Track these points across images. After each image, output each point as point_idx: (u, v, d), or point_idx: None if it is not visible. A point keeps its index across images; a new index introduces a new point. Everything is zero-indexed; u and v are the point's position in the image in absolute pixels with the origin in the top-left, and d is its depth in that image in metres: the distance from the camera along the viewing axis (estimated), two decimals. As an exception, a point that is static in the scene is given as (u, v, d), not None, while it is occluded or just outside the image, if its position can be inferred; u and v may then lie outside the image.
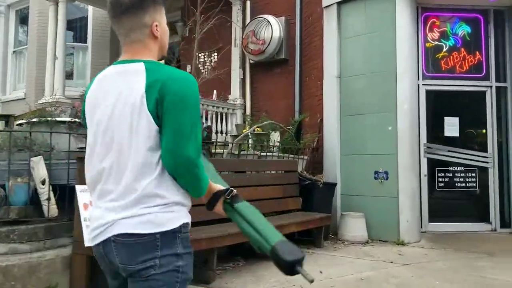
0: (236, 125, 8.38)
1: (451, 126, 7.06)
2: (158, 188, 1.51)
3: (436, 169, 7.00)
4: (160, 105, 1.47)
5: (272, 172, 6.17)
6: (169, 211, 1.53)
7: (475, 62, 7.17)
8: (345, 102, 6.88)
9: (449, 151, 6.99)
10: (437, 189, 6.98)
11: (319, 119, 7.24)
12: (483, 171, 7.02)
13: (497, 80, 7.12)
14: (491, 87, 7.10)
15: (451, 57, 7.14)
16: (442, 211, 6.94)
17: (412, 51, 6.56)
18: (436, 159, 6.97)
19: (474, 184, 7.01)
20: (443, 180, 6.99)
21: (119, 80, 1.56)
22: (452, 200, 7.08)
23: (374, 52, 6.63)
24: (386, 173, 6.37)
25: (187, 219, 1.60)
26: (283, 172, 6.26)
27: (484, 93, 7.14)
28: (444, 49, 7.10)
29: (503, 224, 6.92)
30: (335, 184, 6.54)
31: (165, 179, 1.52)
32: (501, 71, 7.17)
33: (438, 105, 7.20)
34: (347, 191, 6.69)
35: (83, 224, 3.63)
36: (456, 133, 7.04)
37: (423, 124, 6.94)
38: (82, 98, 1.77)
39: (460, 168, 7.01)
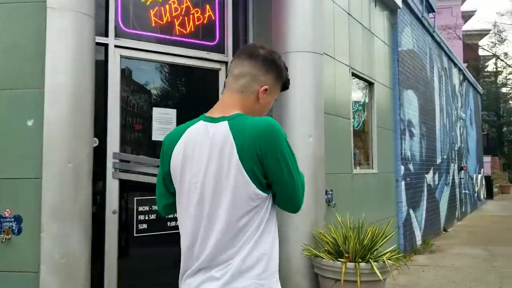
0: None
1: (165, 124, 4.11)
2: None
3: (135, 199, 3.93)
4: (261, 167, 1.44)
5: None
6: None
7: (204, 22, 4.42)
8: None
9: (159, 166, 4.02)
10: (135, 235, 3.92)
11: None
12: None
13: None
14: (226, 63, 4.44)
15: (167, 6, 4.19)
16: (142, 279, 3.91)
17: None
18: (137, 182, 3.92)
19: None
20: (147, 218, 3.97)
21: (207, 142, 1.49)
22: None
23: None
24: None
25: None
26: None
27: (216, 72, 4.43)
28: (155, -10, 4.12)
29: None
30: None
31: None
32: (242, 44, 4.61)
33: (141, 88, 4.17)
34: None
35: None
36: (171, 137, 4.12)
37: (114, 120, 3.80)
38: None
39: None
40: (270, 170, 1.43)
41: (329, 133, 4.63)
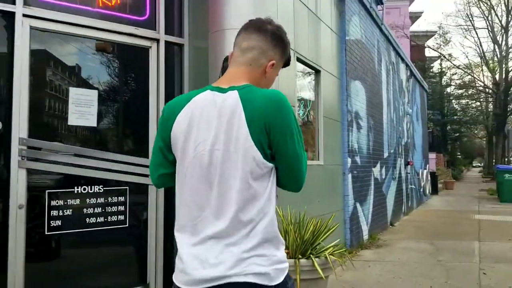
0: None
1: (84, 107, 3.61)
2: None
3: (47, 192, 3.42)
4: (267, 138, 1.44)
5: None
6: None
7: (133, -7, 3.96)
8: None
9: (76, 155, 3.53)
10: (47, 233, 3.41)
11: None
12: (141, 192, 3.86)
13: (169, 33, 4.08)
14: (158, 41, 3.99)
15: (88, -27, 3.70)
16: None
17: None
18: (49, 173, 3.42)
19: (123, 218, 3.76)
20: (62, 214, 3.47)
21: (215, 112, 1.47)
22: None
23: None
24: None
25: None
26: None
27: (146, 50, 3.98)
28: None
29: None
30: None
31: None
32: (177, 21, 4.18)
33: (56, 66, 3.65)
34: None
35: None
36: (92, 122, 3.63)
37: (22, 101, 3.27)
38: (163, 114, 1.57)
39: (98, 188, 3.64)
40: (276, 143, 1.43)
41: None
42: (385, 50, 9.54)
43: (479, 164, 64.85)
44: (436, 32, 34.05)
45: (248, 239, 1.41)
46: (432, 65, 35.52)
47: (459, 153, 44.13)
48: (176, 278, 1.48)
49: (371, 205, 7.86)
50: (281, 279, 1.45)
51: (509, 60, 24.75)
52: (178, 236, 1.51)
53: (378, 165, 8.56)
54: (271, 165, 1.45)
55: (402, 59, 11.66)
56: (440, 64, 35.06)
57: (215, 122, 1.45)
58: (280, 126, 1.42)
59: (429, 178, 15.85)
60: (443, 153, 28.26)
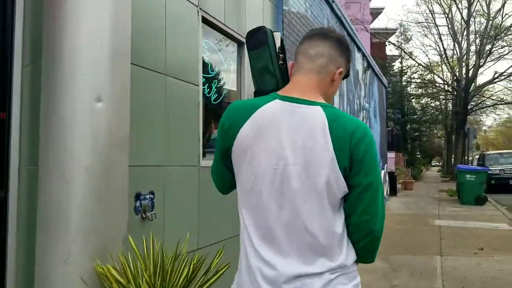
0: None
1: None
2: None
3: None
4: (349, 165, 1.37)
5: None
6: None
7: None
8: None
9: None
10: None
11: None
12: None
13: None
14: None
15: None
16: None
17: None
18: None
19: None
20: None
21: (296, 125, 1.38)
22: None
23: None
24: None
25: None
26: None
27: None
28: None
29: None
30: None
31: None
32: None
33: None
34: None
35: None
36: None
37: None
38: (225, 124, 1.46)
39: None
40: (359, 171, 1.37)
41: (157, 103, 2.93)
42: (337, 34, 8.32)
43: (437, 164, 65.66)
44: (397, 29, 33.54)
45: None
46: (393, 64, 35.02)
47: (418, 153, 44.07)
48: None
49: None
50: None
51: (470, 55, 24.30)
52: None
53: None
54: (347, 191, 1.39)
55: (359, 48, 10.53)
56: (401, 62, 34.61)
57: (295, 134, 1.37)
58: (365, 155, 1.37)
59: (387, 179, 14.86)
60: (402, 152, 27.61)
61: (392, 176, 17.19)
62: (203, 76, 3.76)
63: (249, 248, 1.39)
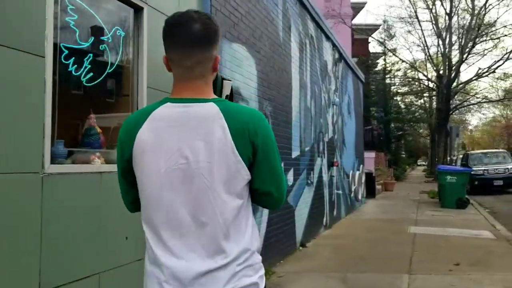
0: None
1: None
2: None
3: None
4: (252, 149, 1.42)
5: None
6: None
7: None
8: None
9: None
10: None
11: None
12: None
13: None
14: None
15: None
16: None
17: None
18: None
19: None
20: None
21: (191, 124, 1.40)
22: None
23: None
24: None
25: None
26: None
27: None
28: None
29: None
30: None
31: None
32: None
33: None
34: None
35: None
36: None
37: None
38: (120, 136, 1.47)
39: None
40: (262, 155, 1.43)
41: None
42: (297, 16, 7.30)
43: (423, 163, 65.27)
44: (380, 25, 32.72)
45: None
46: (377, 61, 34.19)
47: (403, 152, 43.36)
48: None
49: (264, 225, 5.58)
50: None
51: (452, 49, 23.49)
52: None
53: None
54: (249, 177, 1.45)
55: (327, 37, 9.52)
56: (384, 60, 33.81)
57: (189, 134, 1.38)
58: (263, 139, 1.42)
59: (363, 180, 13.90)
60: (385, 151, 26.76)
61: (370, 177, 16.27)
62: (65, 47, 2.70)
63: (155, 248, 1.40)
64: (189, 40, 1.40)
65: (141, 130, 1.40)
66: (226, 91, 1.60)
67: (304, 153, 7.50)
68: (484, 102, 29.90)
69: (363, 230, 8.95)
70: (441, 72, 24.15)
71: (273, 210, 1.50)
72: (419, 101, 35.69)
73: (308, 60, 7.93)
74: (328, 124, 9.54)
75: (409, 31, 38.15)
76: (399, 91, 34.78)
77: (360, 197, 12.89)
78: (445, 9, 23.85)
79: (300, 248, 6.99)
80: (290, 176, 6.69)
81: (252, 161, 1.41)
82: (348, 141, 11.92)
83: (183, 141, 1.37)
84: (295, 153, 6.95)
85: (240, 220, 1.41)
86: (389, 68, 33.11)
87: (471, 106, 35.50)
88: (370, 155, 18.56)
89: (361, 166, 13.64)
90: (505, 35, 22.63)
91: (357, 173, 12.59)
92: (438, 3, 23.59)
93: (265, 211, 5.56)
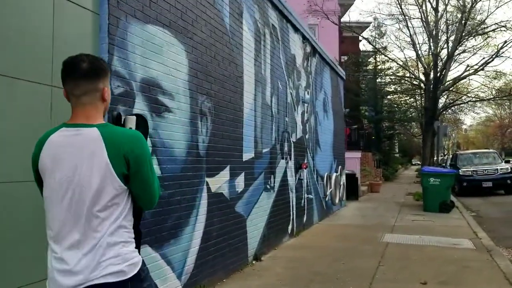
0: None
1: None
2: None
3: None
4: (127, 167, 1.75)
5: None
6: None
7: None
8: None
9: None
10: None
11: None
12: None
13: None
14: None
15: None
16: None
17: None
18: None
19: None
20: None
21: (77, 146, 1.73)
22: None
23: None
24: None
25: None
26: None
27: None
28: None
29: None
30: None
31: None
32: None
33: None
34: None
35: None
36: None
37: None
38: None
39: None
40: (134, 169, 1.76)
41: None
42: (252, 3, 6.53)
43: (418, 162, 64.67)
44: (370, 23, 31.97)
45: None
46: (369, 60, 33.41)
47: (396, 151, 42.61)
48: None
49: (198, 240, 4.81)
50: None
51: (438, 47, 22.68)
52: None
53: (227, 173, 5.55)
54: (125, 187, 1.77)
55: (296, 28, 8.75)
56: (375, 58, 33.07)
57: (78, 153, 1.71)
58: (139, 156, 1.77)
59: (342, 182, 13.14)
60: (373, 151, 26.01)
61: (353, 179, 15.54)
62: None
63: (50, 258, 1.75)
64: (78, 73, 1.75)
65: (41, 153, 1.77)
66: (130, 124, 1.93)
67: (261, 155, 6.73)
68: (475, 100, 29.15)
69: (332, 239, 8.19)
70: (428, 70, 23.38)
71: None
72: (411, 99, 34.94)
73: (268, 52, 7.16)
74: (297, 123, 8.77)
75: (400, 29, 37.34)
76: (389, 89, 34.04)
77: (337, 200, 12.12)
78: (431, 4, 23.10)
79: (254, 262, 6.22)
80: (240, 181, 5.92)
81: (127, 174, 1.75)
82: (324, 142, 11.16)
83: (72, 159, 1.71)
84: (247, 155, 6.18)
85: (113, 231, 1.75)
86: (379, 67, 32.37)
87: (463, 105, 34.77)
88: (355, 155, 17.82)
89: (340, 167, 12.87)
90: (493, 30, 21.86)
91: (334, 175, 11.83)
92: (426, -2, 22.85)
93: (198, 225, 4.78)
